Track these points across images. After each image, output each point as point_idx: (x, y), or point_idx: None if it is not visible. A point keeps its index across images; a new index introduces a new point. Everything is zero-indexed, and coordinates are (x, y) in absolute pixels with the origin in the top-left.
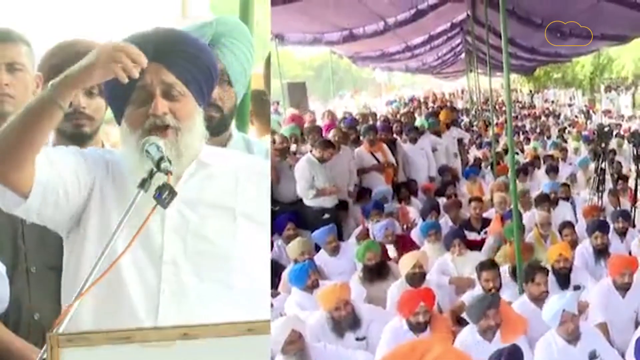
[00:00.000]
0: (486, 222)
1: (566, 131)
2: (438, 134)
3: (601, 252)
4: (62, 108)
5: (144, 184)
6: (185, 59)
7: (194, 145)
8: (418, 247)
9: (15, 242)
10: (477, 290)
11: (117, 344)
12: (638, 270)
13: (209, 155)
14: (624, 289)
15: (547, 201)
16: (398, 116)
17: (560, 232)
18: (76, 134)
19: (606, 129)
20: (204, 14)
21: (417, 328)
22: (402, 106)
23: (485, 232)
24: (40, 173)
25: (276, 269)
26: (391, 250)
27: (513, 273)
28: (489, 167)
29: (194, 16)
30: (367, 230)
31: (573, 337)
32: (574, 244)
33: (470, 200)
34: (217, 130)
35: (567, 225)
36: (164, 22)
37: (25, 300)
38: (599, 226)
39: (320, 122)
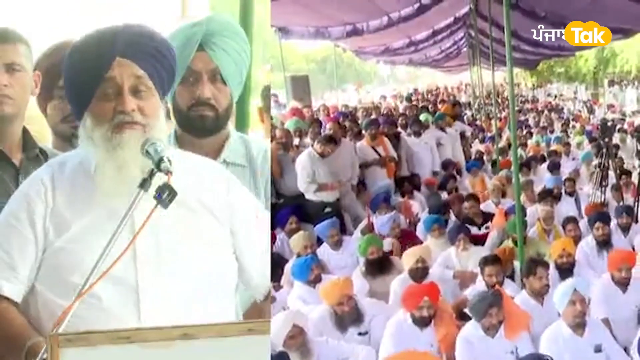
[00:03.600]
0: (487, 217)
1: (569, 126)
2: (442, 128)
3: (603, 243)
4: None
5: (144, 184)
6: (153, 55)
7: (161, 142)
8: (421, 242)
9: None
10: (479, 285)
11: (117, 344)
12: (638, 265)
13: (171, 156)
14: (623, 284)
15: (550, 196)
16: (407, 111)
17: (563, 227)
18: (75, 135)
19: (609, 124)
20: (204, 14)
21: (421, 322)
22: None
23: (487, 227)
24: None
25: (279, 263)
26: (387, 244)
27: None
28: (490, 163)
29: (193, 16)
30: (372, 224)
31: (579, 323)
32: (577, 239)
33: (465, 199)
34: (211, 129)
35: (571, 220)
36: (164, 22)
37: None
38: (600, 217)
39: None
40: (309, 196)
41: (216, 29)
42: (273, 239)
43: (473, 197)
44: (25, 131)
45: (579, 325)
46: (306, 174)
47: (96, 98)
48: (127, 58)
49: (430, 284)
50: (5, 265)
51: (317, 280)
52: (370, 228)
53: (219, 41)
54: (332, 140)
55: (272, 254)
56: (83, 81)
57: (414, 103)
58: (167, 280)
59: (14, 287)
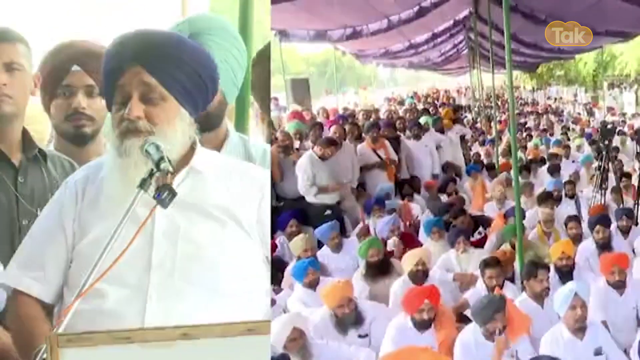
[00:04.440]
0: (484, 221)
1: (569, 128)
2: (442, 130)
3: (603, 246)
4: None
5: (143, 184)
6: (167, 61)
7: (170, 150)
8: (421, 244)
9: (12, 243)
10: (479, 287)
11: (117, 344)
12: (634, 267)
13: (202, 161)
14: (619, 287)
15: (550, 199)
16: (407, 113)
17: (565, 226)
18: (77, 135)
19: (609, 127)
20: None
21: (421, 325)
22: (417, 102)
23: (480, 233)
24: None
25: (279, 266)
26: (390, 245)
27: None
28: (484, 168)
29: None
30: (368, 227)
31: (579, 327)
32: (578, 237)
33: (454, 217)
34: (203, 127)
35: (573, 218)
36: (164, 22)
37: None
38: (600, 220)
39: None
40: (310, 199)
41: (201, 27)
42: (273, 242)
43: (463, 213)
44: (25, 131)
45: (579, 329)
46: (307, 177)
47: (113, 104)
48: (139, 65)
49: (430, 286)
50: (36, 266)
51: (314, 283)
52: (365, 231)
53: (205, 40)
54: (332, 143)
55: (273, 257)
56: (106, 90)
57: (413, 106)
58: (180, 288)
59: (41, 286)
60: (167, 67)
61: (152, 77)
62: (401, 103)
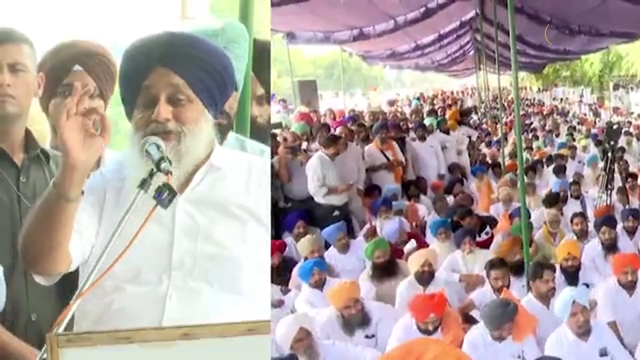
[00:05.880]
0: (490, 221)
1: (575, 129)
2: (447, 131)
3: (609, 247)
4: (73, 200)
5: (144, 184)
6: (193, 63)
7: (197, 149)
8: (427, 245)
9: (13, 244)
10: (486, 288)
11: (117, 344)
12: None
13: (221, 158)
14: (630, 287)
15: (556, 201)
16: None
17: (571, 222)
18: None
19: (615, 127)
20: (203, 15)
21: (426, 332)
22: (423, 104)
23: (487, 233)
24: (75, 255)
25: (287, 266)
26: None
27: None
28: (490, 168)
29: (193, 16)
30: (375, 228)
31: (583, 331)
32: (583, 233)
33: (461, 217)
34: (222, 136)
35: (578, 215)
36: (164, 22)
37: (23, 301)
38: (605, 221)
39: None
40: (319, 199)
41: (232, 36)
42: (282, 242)
43: (469, 213)
44: (27, 131)
45: (584, 332)
46: (317, 178)
47: (136, 106)
48: (166, 67)
49: (437, 297)
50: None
51: (320, 283)
52: (372, 232)
53: (233, 48)
54: (335, 140)
55: (283, 257)
56: (126, 90)
57: (419, 108)
58: (200, 288)
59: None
60: (194, 68)
61: (180, 78)
62: (392, 104)
